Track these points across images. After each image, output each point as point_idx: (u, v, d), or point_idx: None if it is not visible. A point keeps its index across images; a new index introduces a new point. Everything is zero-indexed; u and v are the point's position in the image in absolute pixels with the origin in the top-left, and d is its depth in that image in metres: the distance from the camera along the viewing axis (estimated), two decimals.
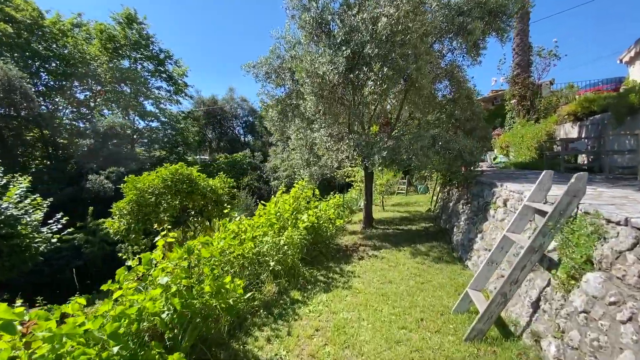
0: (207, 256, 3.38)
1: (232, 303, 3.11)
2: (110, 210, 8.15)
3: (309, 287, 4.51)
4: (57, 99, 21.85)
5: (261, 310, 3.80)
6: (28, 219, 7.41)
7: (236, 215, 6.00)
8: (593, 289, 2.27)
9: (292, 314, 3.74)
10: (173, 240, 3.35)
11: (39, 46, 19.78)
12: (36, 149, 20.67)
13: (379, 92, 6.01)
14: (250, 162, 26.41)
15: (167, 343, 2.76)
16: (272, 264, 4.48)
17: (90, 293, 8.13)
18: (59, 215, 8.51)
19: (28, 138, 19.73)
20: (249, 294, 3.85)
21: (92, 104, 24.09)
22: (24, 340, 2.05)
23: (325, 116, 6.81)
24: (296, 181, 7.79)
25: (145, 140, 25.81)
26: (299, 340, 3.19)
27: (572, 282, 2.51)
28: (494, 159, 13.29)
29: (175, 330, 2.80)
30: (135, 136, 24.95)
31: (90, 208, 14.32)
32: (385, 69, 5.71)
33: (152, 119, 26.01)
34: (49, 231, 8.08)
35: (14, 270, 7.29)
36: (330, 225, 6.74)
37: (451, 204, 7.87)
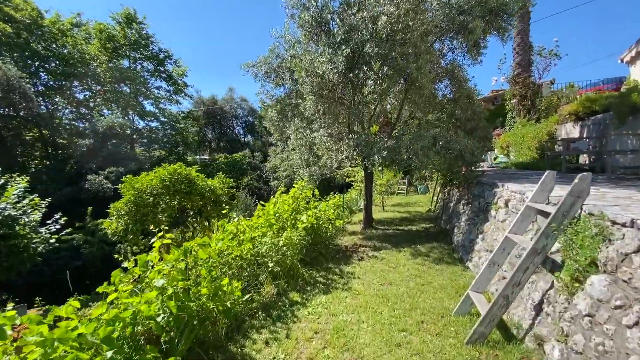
0: (205, 257, 3.33)
1: (229, 305, 3.06)
2: (109, 210, 8.11)
3: (308, 288, 4.46)
4: (56, 99, 21.81)
5: (260, 312, 3.75)
6: (26, 220, 7.36)
7: (235, 215, 5.94)
8: (598, 292, 2.22)
9: (291, 316, 3.69)
10: (170, 241, 3.30)
11: (39, 46, 19.72)
12: (35, 149, 20.63)
13: (379, 92, 5.96)
14: (250, 162, 26.39)
15: (163, 346, 2.72)
16: (270, 265, 4.43)
17: (89, 294, 8.10)
18: (57, 216, 8.46)
19: (27, 138, 19.69)
20: (247, 296, 3.81)
21: (91, 104, 24.03)
22: (14, 345, 2.00)
23: (325, 116, 6.76)
24: (296, 181, 7.74)
25: (145, 140, 25.75)
26: (298, 343, 3.14)
27: (576, 284, 2.46)
28: (495, 159, 13.24)
29: (172, 333, 2.75)
30: (134, 136, 24.91)
31: (89, 208, 14.28)
32: (386, 68, 5.65)
33: (152, 118, 25.96)
34: (47, 232, 8.04)
35: (12, 271, 7.25)
36: (330, 226, 6.69)
37: (452, 205, 7.82)
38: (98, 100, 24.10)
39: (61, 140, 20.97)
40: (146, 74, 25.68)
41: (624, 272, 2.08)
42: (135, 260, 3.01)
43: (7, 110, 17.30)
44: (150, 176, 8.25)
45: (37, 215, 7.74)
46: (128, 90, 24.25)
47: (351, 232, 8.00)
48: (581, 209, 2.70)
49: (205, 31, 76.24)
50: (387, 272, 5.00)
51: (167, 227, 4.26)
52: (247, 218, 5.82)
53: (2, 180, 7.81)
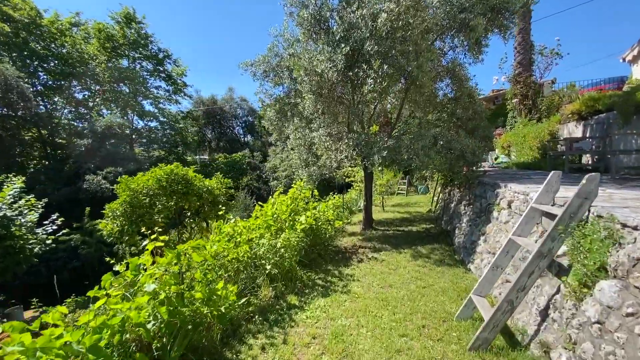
0: (199, 260, 3.23)
1: (224, 310, 2.96)
2: (104, 211, 8.00)
3: (307, 291, 4.36)
4: (55, 99, 21.68)
5: (257, 316, 3.65)
6: (22, 220, 7.27)
7: (232, 217, 5.84)
8: (608, 298, 2.12)
9: (289, 320, 3.59)
10: (162, 244, 3.20)
11: (37, 45, 19.61)
12: (34, 149, 20.52)
13: (379, 91, 5.86)
14: (249, 162, 26.30)
15: (155, 353, 2.62)
16: (268, 267, 4.33)
17: (85, 295, 8.00)
18: (54, 216, 8.37)
19: (26, 138, 19.58)
20: (243, 299, 3.71)
21: (90, 104, 23.91)
22: None
23: (324, 115, 6.66)
24: (295, 181, 7.64)
25: (144, 140, 25.60)
26: (295, 348, 3.04)
27: (585, 290, 2.36)
28: (495, 158, 13.15)
29: (164, 340, 2.66)
30: (133, 136, 24.78)
31: (87, 209, 14.18)
32: (386, 67, 5.55)
33: (151, 118, 25.81)
34: (44, 232, 7.94)
35: (7, 272, 7.16)
36: (329, 227, 6.59)
37: (452, 205, 7.72)
38: (97, 100, 23.99)
39: (60, 140, 20.87)
40: (145, 73, 25.54)
41: (636, 278, 1.98)
42: (127, 264, 2.91)
43: (5, 110, 17.20)
44: (146, 176, 8.15)
45: (33, 216, 7.65)
46: (127, 90, 24.12)
47: (351, 232, 7.90)
48: (589, 211, 2.60)
49: (205, 31, 76.26)
50: (387, 275, 4.91)
51: (162, 229, 4.16)
52: (246, 219, 5.72)
53: None
